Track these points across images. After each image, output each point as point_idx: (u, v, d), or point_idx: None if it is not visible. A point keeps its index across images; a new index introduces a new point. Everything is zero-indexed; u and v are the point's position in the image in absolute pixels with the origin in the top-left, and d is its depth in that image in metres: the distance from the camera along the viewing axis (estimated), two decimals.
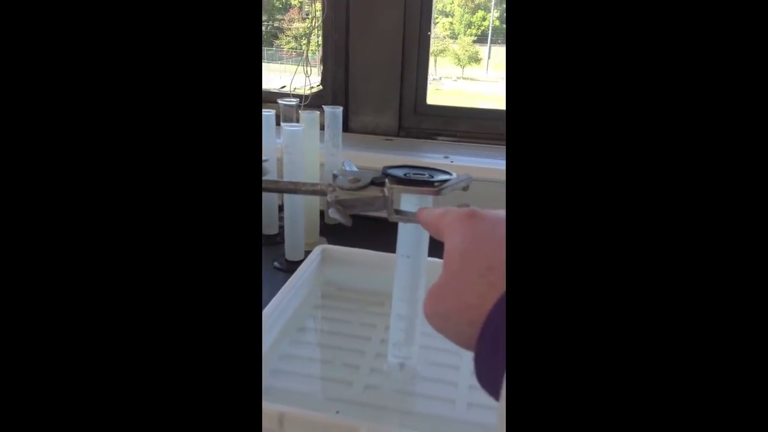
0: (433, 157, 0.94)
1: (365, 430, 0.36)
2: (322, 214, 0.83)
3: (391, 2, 1.01)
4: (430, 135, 1.09)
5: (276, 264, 0.74)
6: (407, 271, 0.45)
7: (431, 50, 1.07)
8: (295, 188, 0.46)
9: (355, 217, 0.42)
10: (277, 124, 0.77)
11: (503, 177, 0.77)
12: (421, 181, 0.41)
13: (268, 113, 0.76)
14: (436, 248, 0.39)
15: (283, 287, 0.55)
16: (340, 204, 0.41)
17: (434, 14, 1.06)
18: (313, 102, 1.01)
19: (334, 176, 0.43)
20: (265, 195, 0.80)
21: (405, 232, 0.44)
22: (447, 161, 0.90)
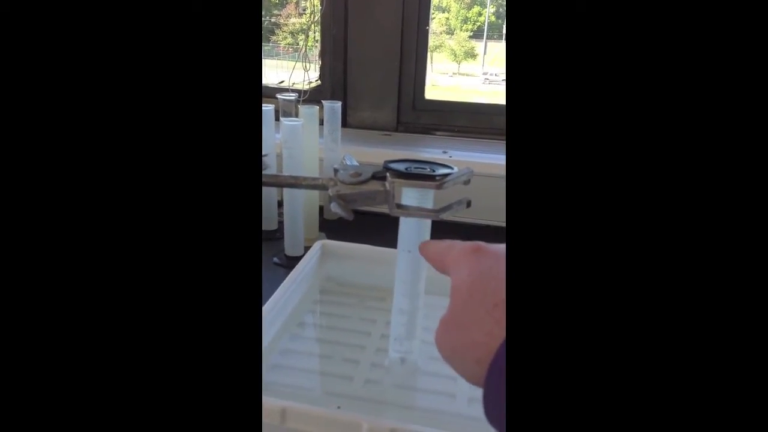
0: (431, 152, 0.94)
1: (367, 424, 0.36)
2: (321, 209, 0.83)
3: None
4: (428, 130, 1.09)
5: (275, 259, 0.74)
6: (408, 265, 0.45)
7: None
8: (295, 182, 0.46)
9: (355, 213, 0.42)
10: (276, 119, 0.76)
11: (502, 172, 0.77)
12: (423, 175, 0.40)
13: (267, 108, 0.76)
14: None
15: (283, 283, 0.55)
16: (342, 198, 0.41)
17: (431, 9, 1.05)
18: (311, 97, 1.01)
19: (335, 170, 0.43)
20: (264, 190, 0.80)
21: (406, 226, 0.44)
22: (446, 156, 0.90)
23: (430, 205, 0.42)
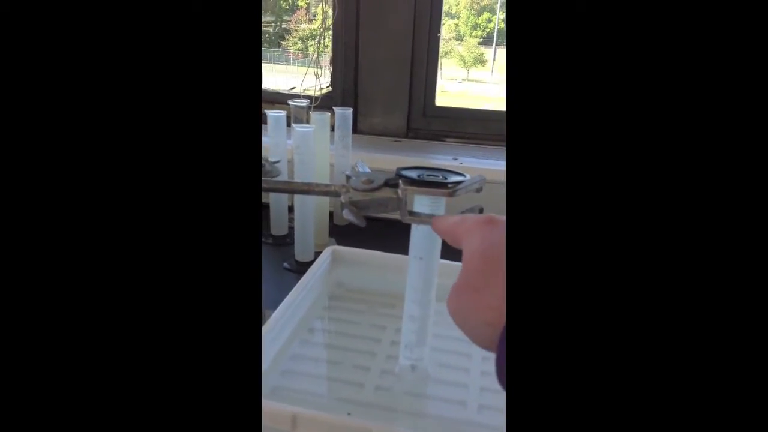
0: (442, 158, 0.94)
1: (377, 431, 0.36)
2: (331, 215, 0.83)
3: (401, 4, 1.01)
4: (438, 136, 1.09)
5: (286, 265, 0.74)
6: (420, 272, 0.45)
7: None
8: (308, 189, 0.46)
9: (366, 219, 0.42)
10: (288, 125, 0.77)
11: None
12: (435, 182, 0.40)
13: (278, 114, 0.76)
14: (448, 251, 0.39)
15: (294, 288, 0.55)
16: (354, 205, 0.41)
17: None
18: (322, 103, 1.01)
19: (348, 177, 0.43)
20: (275, 196, 0.80)
21: (418, 233, 0.44)
22: (456, 163, 0.90)
23: (442, 213, 0.42)
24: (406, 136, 1.10)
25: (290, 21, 1.87)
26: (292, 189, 0.48)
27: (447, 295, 0.30)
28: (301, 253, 0.73)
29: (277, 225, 0.82)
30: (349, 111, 0.79)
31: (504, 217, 0.31)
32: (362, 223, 0.42)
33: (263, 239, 0.81)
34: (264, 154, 0.68)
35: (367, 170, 0.46)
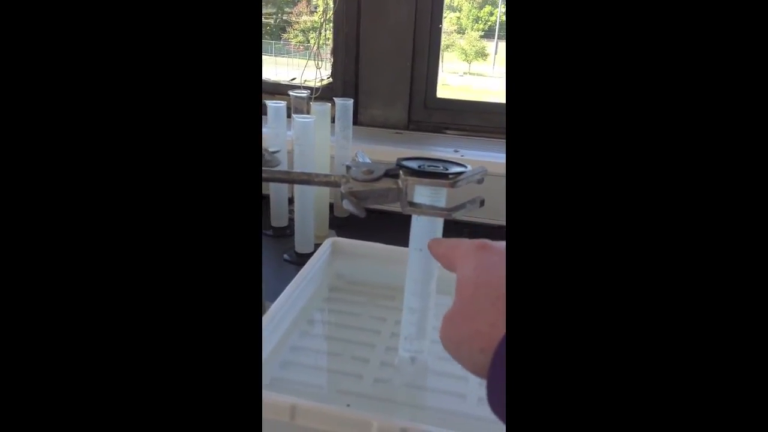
0: (442, 150, 0.94)
1: (377, 423, 0.36)
2: (331, 206, 0.83)
3: None
4: (439, 129, 1.09)
5: (286, 256, 0.74)
6: (420, 264, 0.44)
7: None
8: (308, 179, 0.46)
9: (366, 210, 0.42)
10: (288, 116, 0.76)
11: None
12: (436, 173, 0.40)
13: (279, 105, 0.76)
14: None
15: (293, 280, 0.54)
16: (354, 195, 0.41)
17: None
18: (323, 95, 1.01)
19: (348, 167, 0.43)
20: (275, 187, 0.80)
21: (418, 225, 0.44)
22: (457, 155, 0.90)
23: (442, 204, 0.42)
24: (407, 128, 1.09)
25: (291, 13, 1.86)
26: (291, 179, 0.48)
27: (447, 287, 0.30)
28: (301, 245, 0.73)
29: (277, 216, 0.82)
30: (350, 102, 0.79)
31: (498, 243, 0.31)
32: (362, 214, 0.41)
33: (263, 231, 0.81)
34: (264, 144, 0.68)
35: (368, 161, 0.45)
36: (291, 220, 0.79)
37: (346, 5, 1.04)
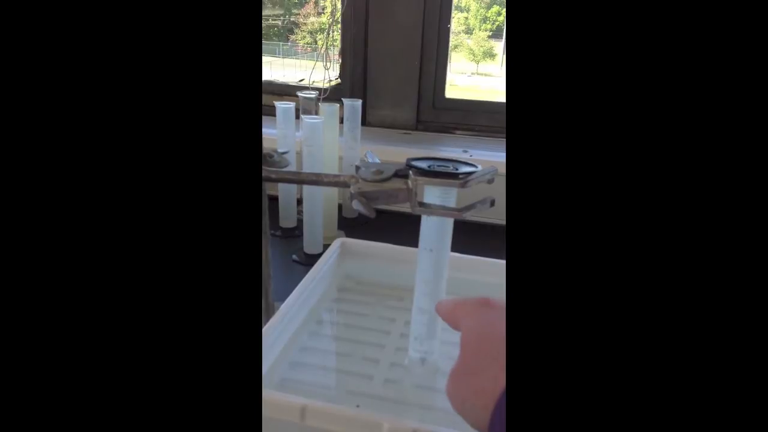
0: (451, 150, 0.94)
1: (388, 424, 0.36)
2: (340, 207, 0.83)
3: None
4: (448, 129, 1.09)
5: (295, 257, 0.74)
6: (430, 264, 0.44)
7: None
8: (317, 180, 0.46)
9: (375, 211, 0.42)
10: (297, 116, 0.76)
11: None
12: (446, 173, 0.40)
13: (287, 105, 0.76)
14: (459, 243, 0.38)
15: (303, 280, 0.54)
16: (364, 196, 0.41)
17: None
18: (331, 95, 1.01)
19: (357, 168, 0.43)
20: (284, 188, 0.80)
21: (428, 225, 0.43)
22: (466, 155, 0.89)
23: (452, 204, 0.41)
24: (416, 129, 1.09)
25: (299, 14, 1.87)
26: (300, 179, 0.48)
27: (457, 288, 0.30)
28: (309, 246, 0.73)
29: (286, 217, 0.82)
30: (359, 102, 0.79)
31: (499, 299, 0.31)
32: (372, 214, 0.41)
33: (272, 232, 0.81)
34: (273, 145, 0.68)
35: (377, 161, 0.45)
36: (300, 220, 0.79)
37: (354, 6, 1.04)
